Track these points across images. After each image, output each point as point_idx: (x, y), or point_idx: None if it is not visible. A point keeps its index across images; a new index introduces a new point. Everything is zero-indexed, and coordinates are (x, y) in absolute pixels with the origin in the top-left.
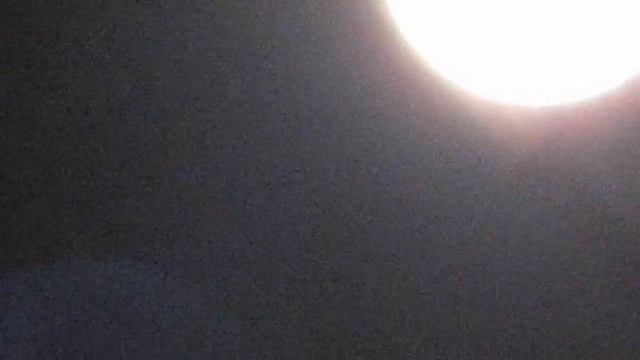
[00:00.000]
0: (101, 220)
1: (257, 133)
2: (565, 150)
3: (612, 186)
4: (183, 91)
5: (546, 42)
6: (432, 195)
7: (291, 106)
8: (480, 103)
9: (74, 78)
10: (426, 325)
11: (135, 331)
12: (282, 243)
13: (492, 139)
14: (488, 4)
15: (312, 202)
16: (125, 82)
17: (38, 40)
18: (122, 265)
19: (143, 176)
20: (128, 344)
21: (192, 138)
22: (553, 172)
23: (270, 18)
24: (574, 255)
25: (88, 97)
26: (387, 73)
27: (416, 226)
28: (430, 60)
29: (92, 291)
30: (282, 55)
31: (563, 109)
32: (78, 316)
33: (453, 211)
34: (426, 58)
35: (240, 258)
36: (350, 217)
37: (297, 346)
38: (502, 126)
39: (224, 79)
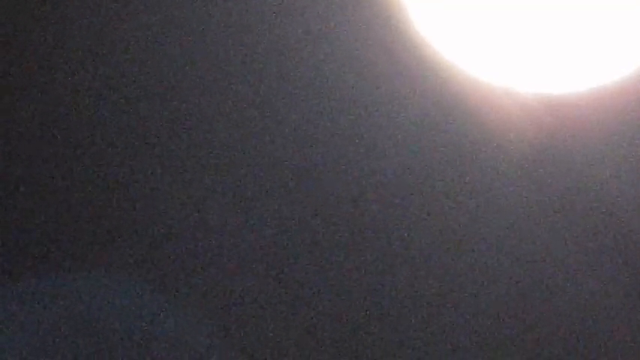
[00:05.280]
0: (88, 233)
1: (266, 133)
2: (567, 140)
3: (612, 176)
4: (186, 99)
5: (555, 31)
6: (441, 184)
7: (297, 96)
8: (487, 89)
9: (61, 86)
10: (426, 322)
11: (123, 347)
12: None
13: (502, 127)
14: None
15: (325, 202)
16: (117, 87)
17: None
18: (109, 279)
19: (134, 186)
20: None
21: (187, 144)
22: (556, 162)
23: (278, 12)
24: (569, 241)
25: (85, 107)
26: (393, 56)
27: (424, 214)
28: (436, 44)
29: (78, 305)
30: (286, 47)
31: (569, 98)
32: (65, 331)
33: (465, 199)
34: (431, 43)
35: (238, 273)
36: (361, 212)
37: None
38: (514, 114)
39: (234, 77)
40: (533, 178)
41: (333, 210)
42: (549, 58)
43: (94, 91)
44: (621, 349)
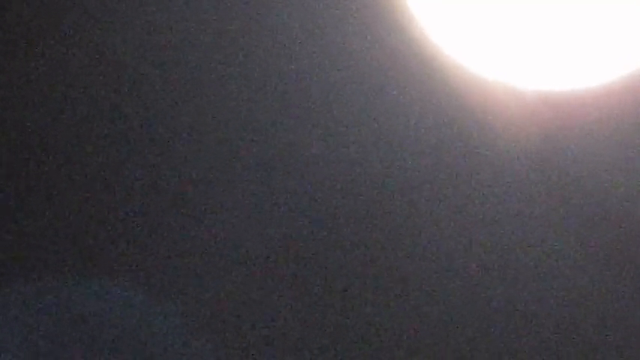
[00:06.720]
0: (85, 239)
1: (266, 134)
2: (568, 137)
3: (612, 173)
4: (189, 99)
5: (557, 29)
6: (443, 180)
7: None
8: (489, 86)
9: (62, 89)
10: (428, 320)
11: (119, 351)
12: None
13: (503, 123)
14: None
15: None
16: (116, 94)
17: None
18: (106, 285)
19: (130, 194)
20: None
21: (190, 143)
22: (556, 158)
23: (279, 10)
24: (570, 236)
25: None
26: (397, 52)
27: (425, 210)
28: (437, 41)
29: (72, 310)
30: (290, 45)
31: (569, 95)
32: (61, 335)
33: (466, 199)
34: (433, 40)
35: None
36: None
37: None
38: (514, 110)
39: (236, 78)
40: (533, 173)
41: (333, 209)
42: (551, 56)
43: (94, 95)
44: (621, 348)
